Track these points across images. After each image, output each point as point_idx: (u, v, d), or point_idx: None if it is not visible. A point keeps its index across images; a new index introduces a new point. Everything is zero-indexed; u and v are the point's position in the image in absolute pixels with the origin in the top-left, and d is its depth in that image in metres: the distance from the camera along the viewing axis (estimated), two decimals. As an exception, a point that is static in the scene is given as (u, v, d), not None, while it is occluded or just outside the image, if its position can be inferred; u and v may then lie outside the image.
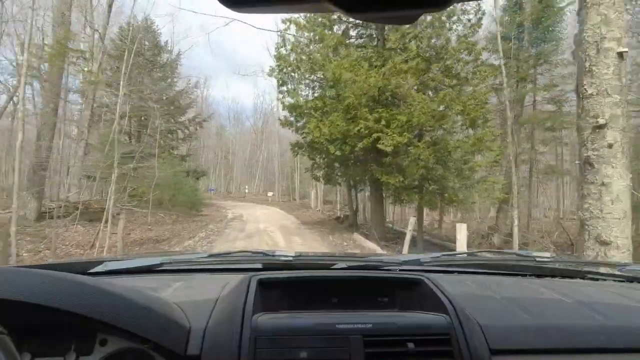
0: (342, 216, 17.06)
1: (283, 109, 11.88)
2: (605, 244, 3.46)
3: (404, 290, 1.01)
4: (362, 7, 0.30)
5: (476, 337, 0.81)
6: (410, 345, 0.77)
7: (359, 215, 15.58)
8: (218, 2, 0.29)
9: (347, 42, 11.32)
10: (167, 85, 22.88)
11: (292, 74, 11.43)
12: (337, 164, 12.59)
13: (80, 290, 0.66)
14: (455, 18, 9.87)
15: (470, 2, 0.63)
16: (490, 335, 0.83)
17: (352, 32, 11.77)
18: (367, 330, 0.78)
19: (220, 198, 35.26)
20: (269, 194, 34.06)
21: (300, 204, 28.30)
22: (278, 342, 0.76)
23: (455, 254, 1.52)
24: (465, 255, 1.60)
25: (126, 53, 11.62)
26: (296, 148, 12.68)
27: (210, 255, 1.33)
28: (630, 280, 1.31)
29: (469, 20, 9.91)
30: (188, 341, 0.75)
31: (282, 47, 11.66)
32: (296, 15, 8.89)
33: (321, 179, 13.50)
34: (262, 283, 0.95)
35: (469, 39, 9.89)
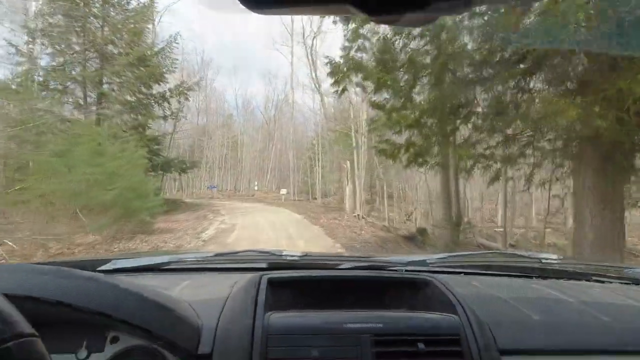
0: (416, 231, 9.17)
1: None
2: None
3: (411, 290, 1.01)
4: (383, 10, 0.30)
5: (485, 337, 0.81)
6: (421, 345, 0.77)
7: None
8: (239, 3, 0.29)
9: None
10: (133, 33, 15.50)
11: None
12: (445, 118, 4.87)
13: (92, 287, 0.66)
14: None
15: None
16: (499, 335, 0.83)
17: None
18: (377, 330, 0.78)
19: (223, 197, 28.45)
20: (282, 192, 27.39)
21: (323, 205, 20.72)
22: (290, 340, 0.76)
23: (461, 255, 1.54)
24: (471, 256, 1.63)
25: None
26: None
27: (217, 254, 1.32)
28: (637, 282, 1.29)
29: None
30: (200, 339, 0.75)
31: None
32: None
33: (401, 154, 5.71)
34: (271, 282, 0.95)
35: None
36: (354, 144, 7.58)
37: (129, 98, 15.77)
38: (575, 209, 4.36)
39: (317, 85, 21.69)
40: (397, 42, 4.63)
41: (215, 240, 7.98)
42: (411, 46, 4.97)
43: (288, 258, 1.24)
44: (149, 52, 16.46)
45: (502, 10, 3.47)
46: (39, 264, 0.88)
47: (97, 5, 14.79)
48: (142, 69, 15.87)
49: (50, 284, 0.63)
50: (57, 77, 14.23)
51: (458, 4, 0.30)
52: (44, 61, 15.24)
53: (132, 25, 15.51)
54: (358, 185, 15.66)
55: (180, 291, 0.96)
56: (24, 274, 0.64)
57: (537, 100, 4.18)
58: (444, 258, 1.33)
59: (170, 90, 18.03)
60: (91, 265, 1.14)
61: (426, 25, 0.37)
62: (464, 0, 0.30)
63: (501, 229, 8.55)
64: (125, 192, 7.68)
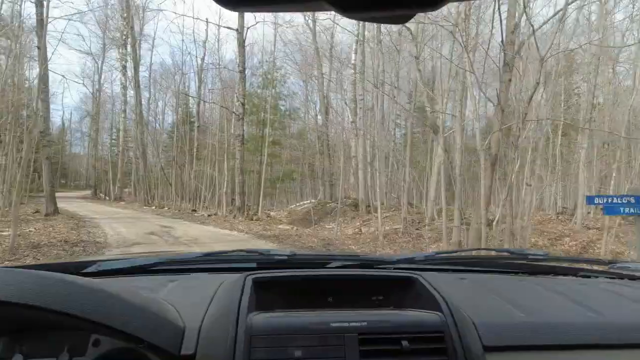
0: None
1: None
2: None
3: (398, 288, 1.01)
4: (358, 7, 0.31)
5: (470, 334, 0.81)
6: (405, 343, 0.76)
7: None
8: (214, 2, 0.30)
9: None
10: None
11: None
12: None
13: (71, 291, 0.66)
14: None
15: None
16: (484, 332, 0.83)
17: None
18: (361, 329, 0.78)
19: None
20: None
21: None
22: (273, 341, 0.75)
23: (449, 252, 1.68)
24: (460, 254, 1.74)
25: None
26: None
27: (206, 255, 1.31)
28: (621, 277, 1.31)
29: None
30: (182, 341, 0.74)
31: None
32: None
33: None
34: (257, 282, 0.95)
35: None
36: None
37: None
38: None
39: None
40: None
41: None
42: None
43: (276, 257, 1.23)
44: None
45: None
46: (18, 267, 0.92)
47: None
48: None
49: (29, 287, 0.62)
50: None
51: (430, 2, 0.29)
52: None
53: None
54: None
55: (165, 292, 0.94)
56: (2, 277, 0.64)
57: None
58: (433, 255, 1.34)
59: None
60: (76, 267, 1.13)
61: (402, 21, 0.35)
62: None
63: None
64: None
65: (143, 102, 25.37)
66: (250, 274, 0.96)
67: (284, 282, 1.00)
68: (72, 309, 0.62)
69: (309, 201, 22.49)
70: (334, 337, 0.75)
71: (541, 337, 0.83)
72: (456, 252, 1.84)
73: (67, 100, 68.88)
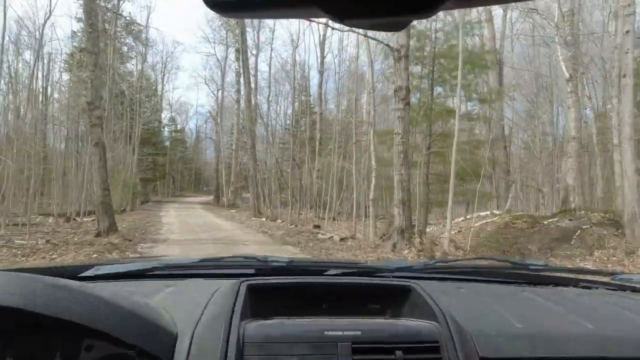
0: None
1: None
2: None
3: (396, 297, 1.00)
4: (352, 14, 0.30)
5: (466, 345, 0.79)
6: (399, 353, 0.75)
7: None
8: (205, 6, 0.29)
9: None
10: None
11: None
12: None
13: (61, 295, 0.65)
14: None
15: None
16: (481, 343, 0.81)
17: None
18: (356, 337, 0.77)
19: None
20: None
21: None
22: (266, 348, 0.75)
23: (448, 262, 1.51)
24: (459, 262, 1.59)
25: None
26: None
27: (203, 260, 1.29)
28: (623, 289, 1.27)
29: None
30: (175, 347, 0.73)
31: None
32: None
33: None
34: (252, 288, 0.94)
35: None
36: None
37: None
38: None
39: None
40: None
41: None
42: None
43: (274, 264, 1.21)
44: None
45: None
46: (11, 270, 0.90)
47: None
48: None
49: (13, 291, 0.61)
50: None
51: (427, 8, 0.28)
52: None
53: None
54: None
55: (161, 298, 0.93)
56: None
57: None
58: (432, 264, 1.32)
59: None
60: (72, 271, 1.11)
61: (398, 29, 0.33)
62: (433, 3, 0.28)
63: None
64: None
65: (261, 99, 21.54)
66: (245, 280, 0.95)
67: (280, 289, 0.98)
68: (61, 313, 0.61)
69: (488, 212, 14.68)
70: (328, 346, 0.75)
71: (539, 349, 0.81)
72: (456, 260, 1.54)
73: (200, 108, 74.18)
